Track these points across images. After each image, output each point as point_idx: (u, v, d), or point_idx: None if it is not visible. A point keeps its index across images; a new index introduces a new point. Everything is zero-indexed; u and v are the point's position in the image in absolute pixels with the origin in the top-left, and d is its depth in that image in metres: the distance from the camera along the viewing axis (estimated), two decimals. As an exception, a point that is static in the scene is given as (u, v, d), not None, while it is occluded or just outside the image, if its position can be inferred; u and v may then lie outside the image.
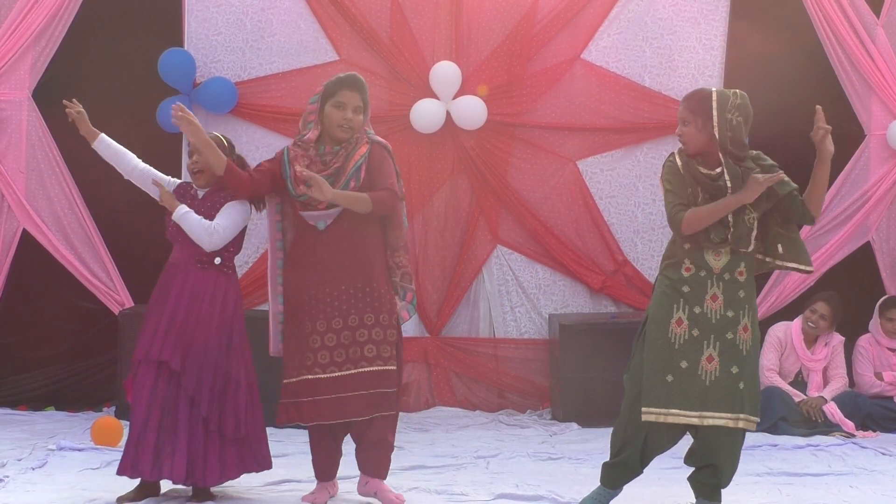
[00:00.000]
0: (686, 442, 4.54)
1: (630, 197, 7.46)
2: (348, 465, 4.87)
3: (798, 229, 4.53)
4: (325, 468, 4.76)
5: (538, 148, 7.40)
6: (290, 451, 5.80)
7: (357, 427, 4.66)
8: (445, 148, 7.22)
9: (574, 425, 6.74)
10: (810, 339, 6.94)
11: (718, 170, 4.33)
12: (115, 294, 7.05)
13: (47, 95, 6.98)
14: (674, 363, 4.34)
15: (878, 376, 6.95)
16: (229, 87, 7.11)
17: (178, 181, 4.88)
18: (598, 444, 6.07)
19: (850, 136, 7.34)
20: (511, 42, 7.29)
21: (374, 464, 4.69)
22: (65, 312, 7.14)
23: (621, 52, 7.40)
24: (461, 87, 7.21)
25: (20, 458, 5.47)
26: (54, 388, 7.14)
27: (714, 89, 4.36)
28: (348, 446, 4.80)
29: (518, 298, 7.43)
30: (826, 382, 6.90)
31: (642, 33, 7.39)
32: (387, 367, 4.57)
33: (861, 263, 7.47)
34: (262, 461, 4.77)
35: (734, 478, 4.52)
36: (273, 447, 5.84)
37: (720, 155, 4.32)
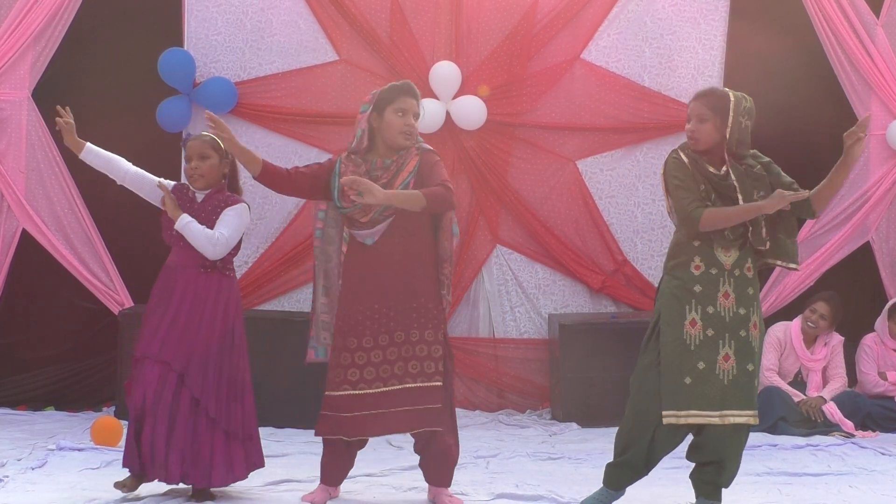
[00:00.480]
0: (686, 440, 4.55)
1: (630, 197, 7.46)
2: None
3: (797, 230, 4.53)
4: (334, 475, 4.77)
5: (538, 148, 7.40)
6: (290, 451, 5.80)
7: (420, 440, 4.67)
8: (445, 148, 7.22)
9: (574, 425, 6.74)
10: (810, 339, 6.94)
11: (724, 169, 4.35)
12: (114, 294, 7.06)
13: (47, 95, 6.98)
14: (691, 365, 4.34)
15: (882, 376, 6.95)
16: (229, 86, 7.11)
17: (174, 183, 4.85)
18: (597, 444, 6.07)
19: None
20: (511, 42, 7.29)
21: (436, 475, 4.74)
22: (65, 312, 7.14)
23: (621, 52, 7.40)
24: (461, 87, 7.21)
25: (20, 457, 5.46)
26: (54, 388, 7.14)
27: (729, 91, 4.41)
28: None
29: (518, 298, 7.43)
30: (825, 382, 6.90)
31: (642, 33, 7.39)
32: (431, 384, 4.55)
33: (861, 263, 7.47)
34: (258, 461, 4.80)
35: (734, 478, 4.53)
36: (273, 447, 5.88)
37: (725, 155, 4.35)
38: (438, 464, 4.72)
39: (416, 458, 4.80)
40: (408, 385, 4.54)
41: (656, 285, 4.73)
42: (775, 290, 7.37)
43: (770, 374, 6.84)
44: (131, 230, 6.95)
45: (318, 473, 4.81)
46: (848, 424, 6.61)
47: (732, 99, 4.35)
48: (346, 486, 4.93)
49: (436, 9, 7.29)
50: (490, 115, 7.25)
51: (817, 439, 6.36)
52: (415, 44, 7.26)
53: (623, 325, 6.89)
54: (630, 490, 4.63)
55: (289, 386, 6.54)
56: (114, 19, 7.12)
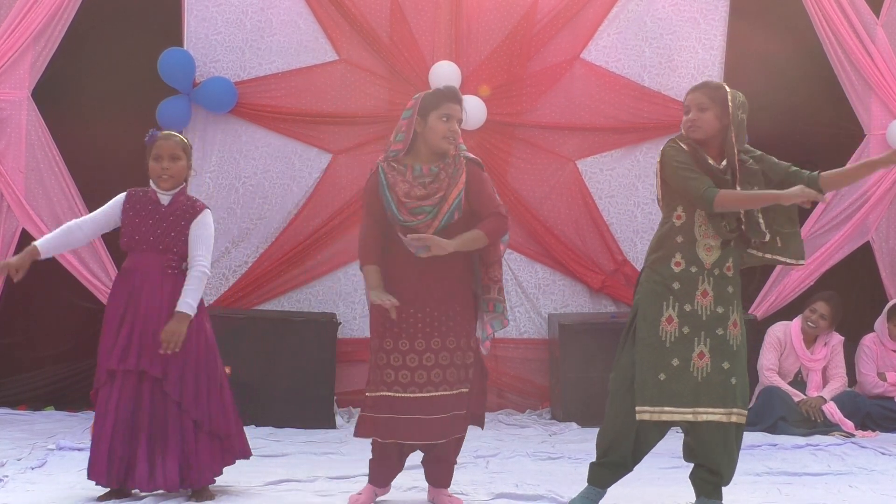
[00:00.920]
0: (680, 439, 4.55)
1: (630, 197, 7.46)
2: (347, 464, 4.87)
3: (796, 217, 4.51)
4: (382, 477, 4.74)
5: (538, 148, 7.40)
6: (290, 450, 5.80)
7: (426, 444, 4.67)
8: (445, 148, 7.21)
9: (573, 425, 6.73)
10: (810, 339, 6.94)
11: (723, 163, 4.35)
12: (114, 294, 7.05)
13: (47, 95, 6.99)
14: (665, 361, 4.36)
15: (882, 377, 6.95)
16: (229, 86, 7.11)
17: (124, 194, 4.70)
18: (597, 444, 6.07)
19: (849, 135, 7.35)
20: (511, 42, 7.29)
21: (439, 476, 4.74)
22: (65, 312, 7.13)
23: (621, 52, 7.40)
24: (461, 86, 7.19)
25: (20, 457, 5.46)
26: (54, 388, 7.14)
27: (724, 83, 4.45)
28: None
29: (518, 298, 7.42)
30: (825, 382, 6.91)
31: (642, 33, 7.40)
32: (461, 390, 4.56)
33: (861, 263, 7.48)
34: (243, 451, 4.79)
35: (734, 477, 4.51)
36: (273, 447, 5.88)
37: (724, 147, 4.35)
38: (441, 465, 4.72)
39: (416, 458, 4.80)
40: (443, 392, 4.52)
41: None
42: (775, 290, 7.37)
43: (770, 374, 6.84)
44: (131, 230, 6.94)
45: (317, 473, 4.81)
46: (848, 424, 6.62)
47: (729, 90, 4.39)
48: (345, 485, 4.93)
49: (436, 8, 7.29)
50: (490, 115, 7.25)
51: (817, 439, 6.36)
52: (414, 43, 7.26)
53: (622, 324, 6.82)
54: (630, 490, 4.63)
55: (289, 386, 6.54)
56: (113, 19, 7.12)
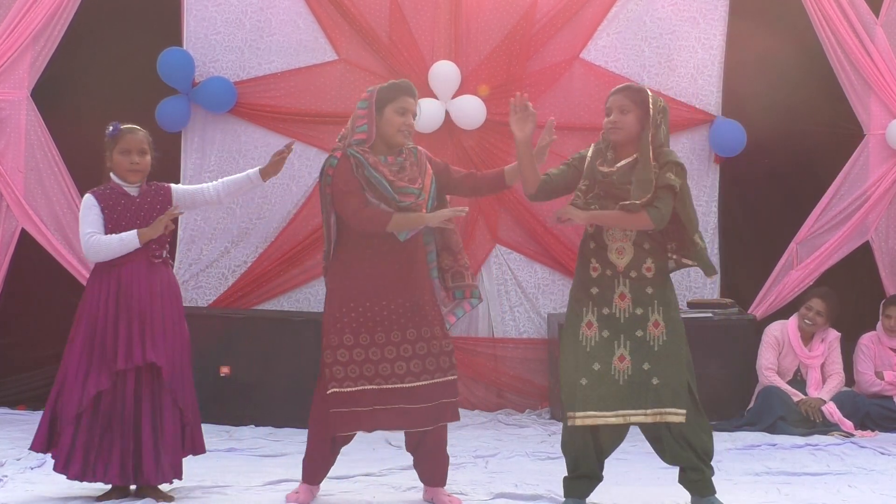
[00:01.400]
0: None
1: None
2: (346, 464, 4.87)
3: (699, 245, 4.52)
4: (317, 473, 4.78)
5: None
6: (290, 450, 5.81)
7: (412, 438, 4.70)
8: (445, 148, 7.21)
9: (573, 425, 6.73)
10: (807, 337, 6.95)
11: (622, 163, 4.40)
12: (114, 294, 7.05)
13: (46, 95, 6.99)
14: (587, 366, 4.39)
15: (879, 375, 6.95)
16: (228, 86, 7.10)
17: (92, 197, 4.68)
18: (597, 444, 6.06)
19: (849, 135, 7.35)
20: (510, 42, 7.29)
21: (433, 474, 4.75)
22: (64, 312, 7.10)
23: (620, 52, 7.39)
24: (460, 86, 7.21)
25: (19, 457, 5.46)
26: (54, 388, 7.13)
27: (645, 86, 4.53)
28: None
29: (517, 298, 7.42)
30: (823, 378, 6.91)
31: (641, 33, 7.39)
32: (447, 378, 4.61)
33: (860, 263, 7.47)
34: (200, 446, 4.79)
35: (733, 477, 4.52)
36: (272, 447, 5.90)
37: (639, 149, 4.37)
38: (435, 462, 4.72)
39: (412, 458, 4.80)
40: (426, 381, 4.56)
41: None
42: (774, 290, 7.37)
43: (769, 374, 6.84)
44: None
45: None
46: (847, 424, 6.61)
47: (650, 94, 4.44)
48: (345, 485, 4.93)
49: (435, 8, 7.29)
50: (489, 115, 7.24)
51: (816, 439, 6.36)
52: (414, 43, 7.25)
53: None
54: (630, 490, 4.63)
55: (288, 386, 6.53)
56: (113, 19, 7.11)
